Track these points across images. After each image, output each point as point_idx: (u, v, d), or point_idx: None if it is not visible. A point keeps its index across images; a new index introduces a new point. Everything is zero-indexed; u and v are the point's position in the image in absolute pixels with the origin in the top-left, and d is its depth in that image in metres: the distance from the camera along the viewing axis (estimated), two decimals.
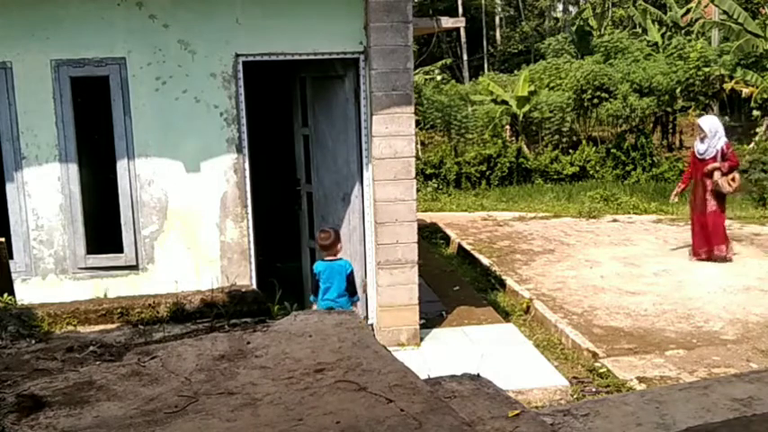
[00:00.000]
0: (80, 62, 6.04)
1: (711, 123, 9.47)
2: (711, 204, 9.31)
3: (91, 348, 2.53)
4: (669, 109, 20.01)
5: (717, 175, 9.23)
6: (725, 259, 9.38)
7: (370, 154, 6.50)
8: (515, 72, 22.88)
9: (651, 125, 20.30)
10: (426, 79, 21.61)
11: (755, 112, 18.18)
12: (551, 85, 20.19)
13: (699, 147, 9.47)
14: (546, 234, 11.82)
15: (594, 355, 6.53)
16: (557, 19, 33.59)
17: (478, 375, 2.39)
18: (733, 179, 9.23)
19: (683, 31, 23.69)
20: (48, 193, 6.14)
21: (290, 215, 7.94)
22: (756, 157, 14.95)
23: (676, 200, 10.38)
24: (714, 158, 9.28)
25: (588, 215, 13.39)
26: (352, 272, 5.94)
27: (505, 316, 7.79)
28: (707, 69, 18.80)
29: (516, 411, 2.08)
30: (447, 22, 7.64)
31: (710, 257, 9.42)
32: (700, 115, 21.10)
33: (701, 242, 9.50)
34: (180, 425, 1.91)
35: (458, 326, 7.33)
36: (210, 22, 6.18)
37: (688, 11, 24.32)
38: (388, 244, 6.54)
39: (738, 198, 14.37)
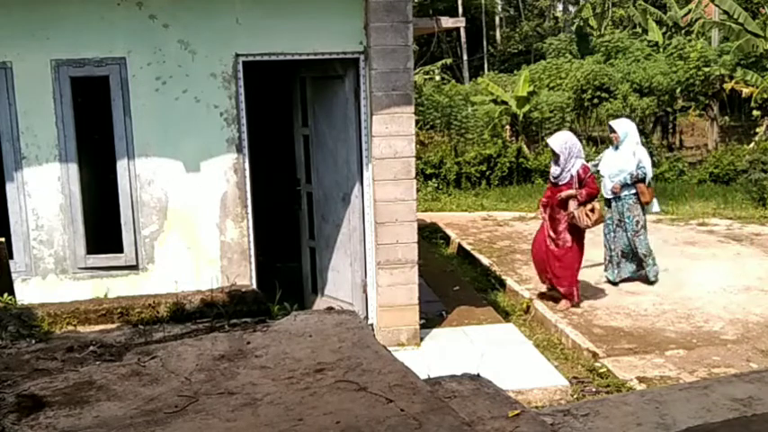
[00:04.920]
0: (80, 62, 6.04)
1: (564, 142, 7.64)
2: (566, 239, 7.63)
3: (91, 348, 2.53)
4: (669, 109, 20.04)
5: (572, 204, 7.49)
6: (574, 305, 7.85)
7: (370, 154, 6.50)
8: (515, 72, 22.86)
9: (651, 125, 20.30)
10: (426, 79, 21.60)
11: (755, 112, 18.19)
12: (551, 85, 20.19)
13: (553, 170, 7.73)
14: None
15: (594, 355, 6.53)
16: (557, 19, 33.58)
17: (478, 375, 2.39)
18: (592, 210, 7.45)
19: (683, 31, 23.69)
20: (48, 193, 6.14)
21: (290, 215, 7.93)
22: (756, 157, 14.93)
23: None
24: (569, 184, 7.53)
25: None
26: None
27: (505, 316, 7.79)
28: (707, 69, 18.82)
29: (516, 411, 2.08)
30: (447, 22, 7.64)
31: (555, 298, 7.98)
32: (700, 115, 21.15)
33: (543, 277, 8.05)
34: (180, 425, 1.91)
35: (458, 326, 7.33)
36: (210, 22, 6.18)
37: (688, 11, 24.33)
38: (388, 244, 6.54)
39: (737, 198, 14.36)
